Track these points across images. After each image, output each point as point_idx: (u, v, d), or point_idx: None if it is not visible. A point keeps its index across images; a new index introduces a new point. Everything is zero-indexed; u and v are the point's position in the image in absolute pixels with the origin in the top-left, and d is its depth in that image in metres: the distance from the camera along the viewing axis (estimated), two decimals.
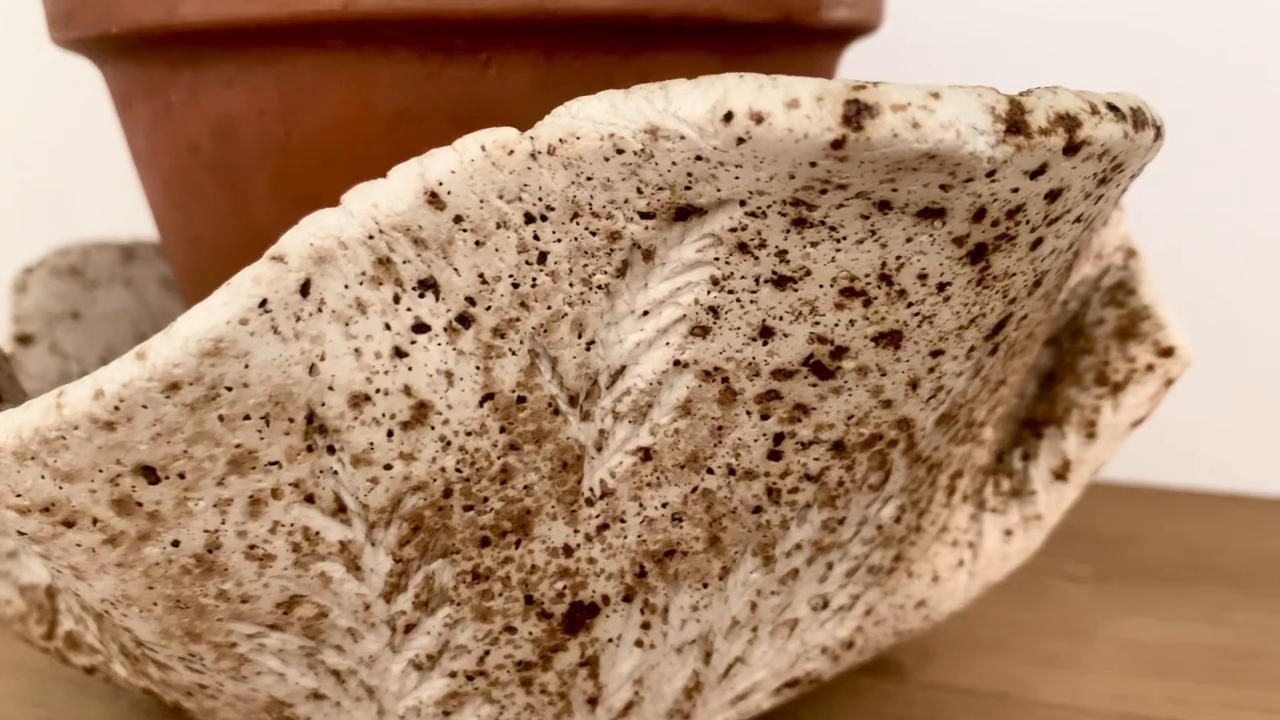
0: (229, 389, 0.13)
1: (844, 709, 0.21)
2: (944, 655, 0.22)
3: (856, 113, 0.12)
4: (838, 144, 0.12)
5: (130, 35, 0.17)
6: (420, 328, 0.13)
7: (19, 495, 0.14)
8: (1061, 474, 0.19)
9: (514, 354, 0.14)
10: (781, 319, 0.14)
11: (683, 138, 0.12)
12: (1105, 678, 0.22)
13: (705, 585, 0.16)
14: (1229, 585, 0.25)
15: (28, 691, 0.22)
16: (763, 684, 0.18)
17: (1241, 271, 0.30)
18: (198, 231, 0.18)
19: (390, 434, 0.14)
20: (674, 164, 0.12)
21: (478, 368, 0.14)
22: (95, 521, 0.14)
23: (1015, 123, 0.12)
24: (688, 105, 0.12)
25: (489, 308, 0.13)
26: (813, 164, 0.12)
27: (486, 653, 0.16)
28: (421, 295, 0.13)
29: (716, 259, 0.13)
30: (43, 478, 0.13)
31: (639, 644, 0.16)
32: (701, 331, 0.14)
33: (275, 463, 0.13)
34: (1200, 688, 0.21)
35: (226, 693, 0.16)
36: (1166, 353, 0.18)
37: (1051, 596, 0.25)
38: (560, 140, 0.12)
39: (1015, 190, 0.13)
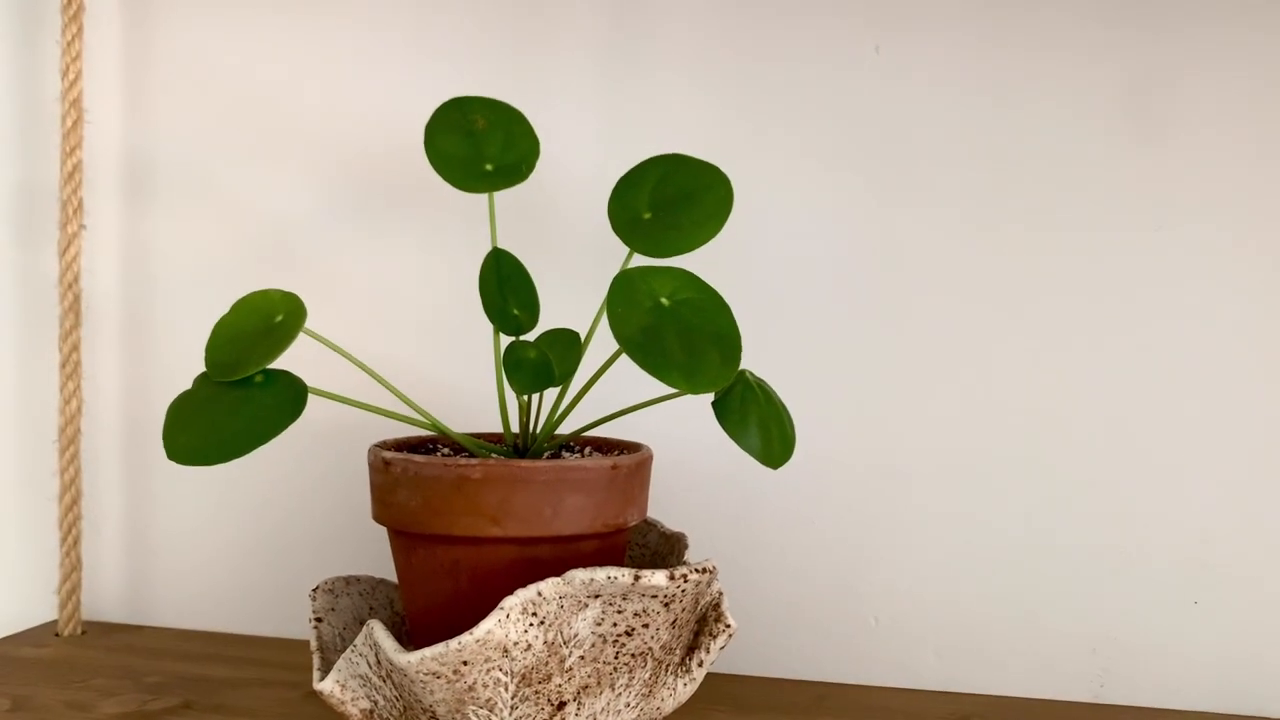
0: (491, 644, 0.53)
1: None
2: None
3: (637, 577, 0.53)
4: (634, 582, 0.53)
5: (439, 536, 0.57)
6: (530, 625, 0.54)
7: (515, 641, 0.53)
8: (701, 664, 0.60)
9: (553, 629, 0.54)
10: (625, 622, 0.55)
11: (614, 580, 0.53)
12: None
13: (596, 695, 0.56)
14: (791, 714, 0.67)
15: None
16: None
17: (776, 596, 0.73)
18: (435, 594, 0.58)
19: (523, 651, 0.54)
20: (613, 585, 0.54)
21: (544, 634, 0.54)
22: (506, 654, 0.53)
23: (673, 576, 0.54)
24: (617, 575, 0.53)
25: (548, 616, 0.54)
26: (631, 586, 0.54)
27: (533, 715, 0.55)
28: (532, 615, 0.54)
29: (610, 606, 0.54)
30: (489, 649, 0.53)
31: (576, 715, 0.56)
32: (600, 624, 0.55)
33: (498, 664, 0.53)
34: None
35: None
36: (728, 626, 0.60)
37: (708, 715, 0.66)
38: (590, 580, 0.53)
39: (673, 590, 0.55)
